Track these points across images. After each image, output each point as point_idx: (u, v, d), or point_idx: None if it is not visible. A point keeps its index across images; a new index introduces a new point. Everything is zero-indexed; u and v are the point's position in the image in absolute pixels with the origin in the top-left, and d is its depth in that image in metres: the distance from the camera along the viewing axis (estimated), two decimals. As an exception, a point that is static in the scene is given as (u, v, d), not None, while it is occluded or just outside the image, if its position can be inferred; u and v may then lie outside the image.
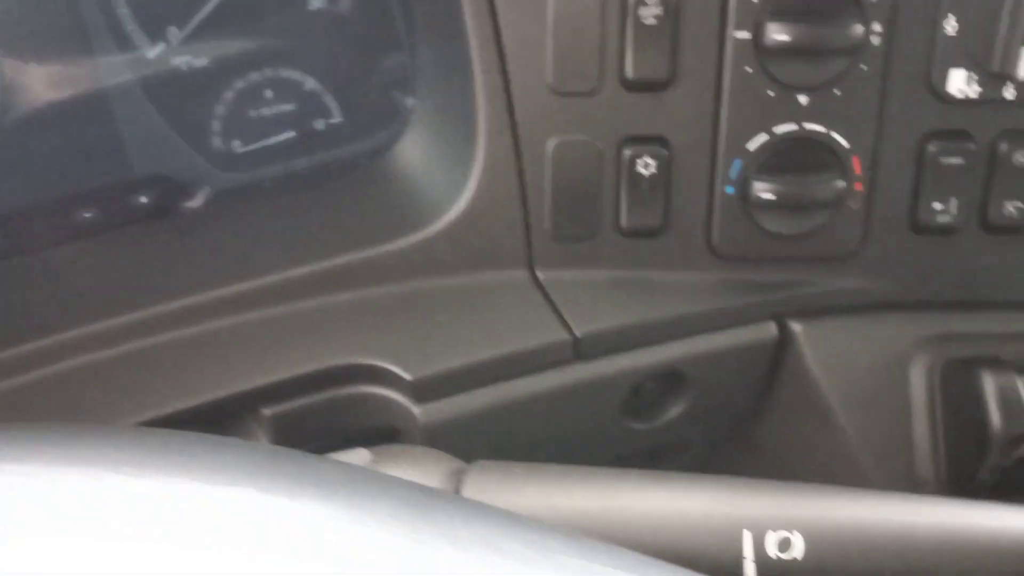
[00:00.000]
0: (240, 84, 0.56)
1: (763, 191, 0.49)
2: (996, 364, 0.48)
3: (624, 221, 0.51)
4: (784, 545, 0.28)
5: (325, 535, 0.18)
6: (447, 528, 0.19)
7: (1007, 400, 0.47)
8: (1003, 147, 0.49)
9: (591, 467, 0.33)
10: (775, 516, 0.29)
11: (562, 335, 0.50)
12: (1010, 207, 0.50)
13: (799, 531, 0.28)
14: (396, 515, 0.19)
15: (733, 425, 0.58)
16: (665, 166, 0.49)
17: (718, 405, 0.56)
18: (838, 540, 0.28)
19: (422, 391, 0.48)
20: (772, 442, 0.57)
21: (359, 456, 0.35)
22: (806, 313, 0.53)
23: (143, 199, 0.56)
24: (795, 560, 0.28)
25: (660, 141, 0.49)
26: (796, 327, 0.53)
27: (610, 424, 0.53)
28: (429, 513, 0.20)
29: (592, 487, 0.32)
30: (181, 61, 0.55)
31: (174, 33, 0.54)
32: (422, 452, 0.36)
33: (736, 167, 0.49)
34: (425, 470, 0.34)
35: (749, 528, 0.29)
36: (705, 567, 0.27)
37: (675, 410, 0.55)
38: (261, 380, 0.47)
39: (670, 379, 0.54)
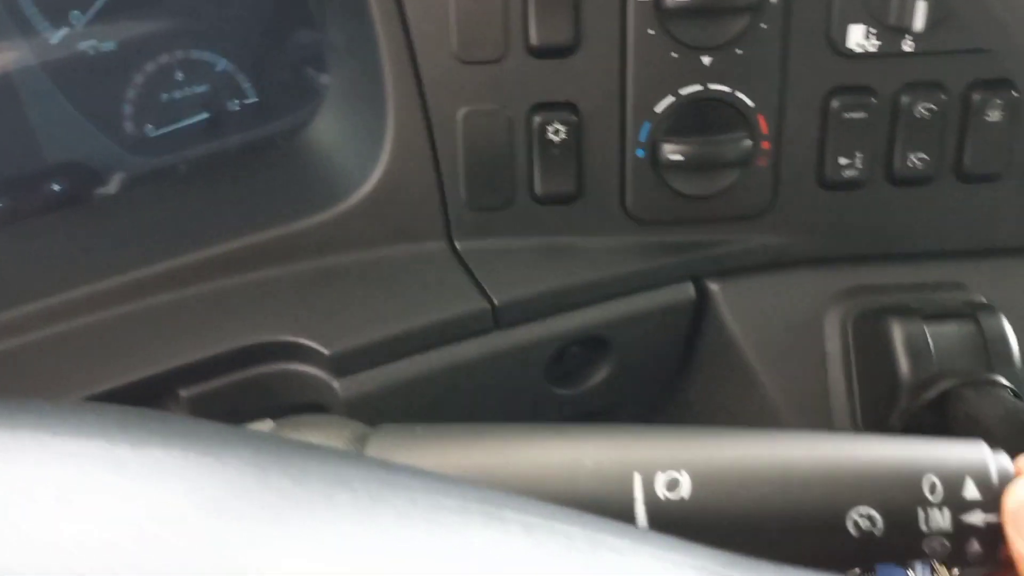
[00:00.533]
0: (150, 67, 0.56)
1: (672, 153, 0.49)
2: (904, 312, 0.49)
3: (538, 188, 0.51)
4: (672, 485, 0.29)
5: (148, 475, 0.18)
6: (293, 469, 0.19)
7: (914, 347, 0.48)
8: (904, 100, 0.50)
9: (493, 424, 0.33)
10: (664, 458, 0.29)
11: (481, 304, 0.50)
12: (914, 159, 0.50)
13: (686, 471, 0.29)
14: (244, 457, 0.19)
15: (659, 387, 0.59)
16: (575, 132, 0.50)
17: (642, 368, 0.56)
18: (722, 477, 0.29)
19: (341, 365, 0.48)
20: (698, 401, 0.58)
21: (263, 426, 0.35)
22: (722, 273, 0.54)
23: (55, 187, 0.55)
24: (682, 499, 0.29)
25: (569, 107, 0.50)
26: (713, 287, 0.54)
27: (536, 391, 0.54)
28: (283, 457, 0.20)
29: (491, 442, 0.32)
30: (87, 46, 0.54)
31: (77, 17, 0.53)
32: (327, 420, 0.36)
33: (645, 130, 0.50)
34: (327, 435, 0.34)
35: (640, 471, 0.29)
36: (600, 512, 0.28)
37: (600, 375, 0.55)
38: (177, 361, 0.47)
39: (592, 344, 0.54)
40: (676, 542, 0.22)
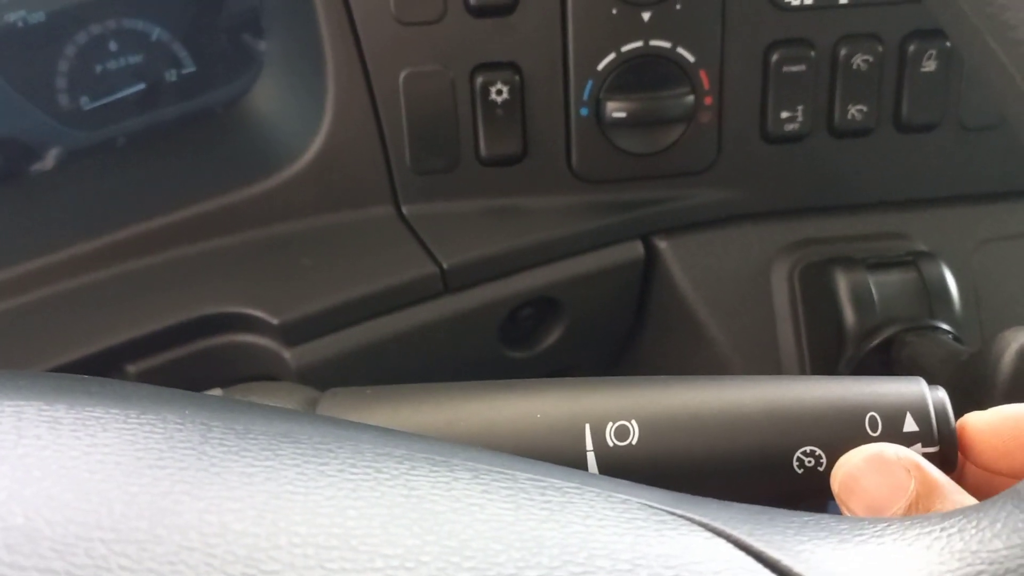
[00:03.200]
0: (82, 37, 0.54)
1: (615, 110, 0.49)
2: (848, 263, 0.50)
3: (483, 150, 0.51)
4: (621, 433, 0.29)
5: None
6: (237, 425, 0.19)
7: (859, 296, 0.49)
8: (842, 52, 0.50)
9: (443, 384, 0.33)
10: (613, 408, 0.30)
11: (430, 268, 0.50)
12: (854, 111, 0.51)
13: (635, 420, 0.29)
14: (186, 416, 0.19)
15: (613, 346, 0.59)
16: (518, 92, 0.49)
17: (595, 327, 0.56)
18: (670, 423, 0.29)
19: (290, 334, 0.47)
20: (651, 358, 0.59)
21: (212, 394, 0.35)
22: (670, 230, 0.54)
23: (-11, 164, 0.53)
24: (631, 445, 0.29)
25: (511, 67, 0.49)
26: (661, 244, 0.54)
27: (490, 355, 0.54)
28: (227, 414, 0.20)
29: (442, 401, 0.32)
30: (16, 17, 0.53)
31: (2, -13, 0.51)
32: (277, 386, 0.36)
33: (588, 88, 0.50)
34: (277, 400, 0.34)
35: (590, 422, 0.30)
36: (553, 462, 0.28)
37: (553, 336, 0.56)
38: (123, 336, 0.46)
39: (544, 305, 0.54)
40: (624, 483, 0.22)
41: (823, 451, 0.28)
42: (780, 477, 0.29)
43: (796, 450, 0.29)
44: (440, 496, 0.19)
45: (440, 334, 0.51)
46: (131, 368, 0.47)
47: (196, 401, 0.22)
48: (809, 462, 0.28)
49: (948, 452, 0.28)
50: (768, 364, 0.53)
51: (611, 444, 0.29)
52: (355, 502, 0.18)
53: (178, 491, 0.17)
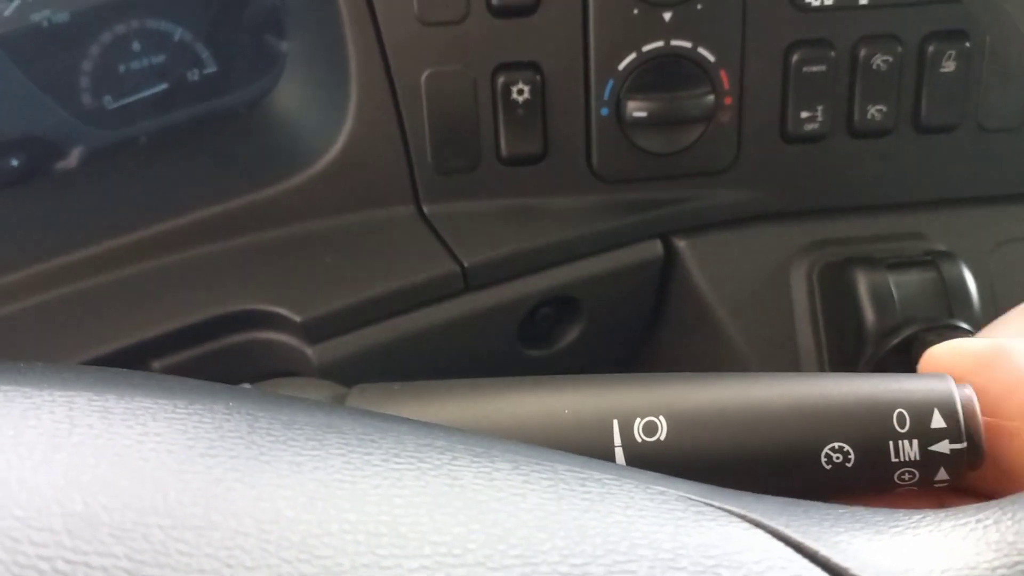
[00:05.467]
0: (105, 37, 0.55)
1: (636, 110, 0.50)
2: (868, 263, 0.50)
3: (504, 150, 0.51)
4: (649, 429, 0.29)
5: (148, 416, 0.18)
6: (282, 415, 0.20)
7: (879, 296, 0.49)
8: (862, 53, 0.50)
9: (471, 380, 0.34)
10: (641, 404, 0.30)
11: (451, 266, 0.50)
12: (873, 111, 0.51)
13: (663, 415, 0.29)
14: (231, 406, 0.20)
15: (631, 345, 0.60)
16: (539, 92, 0.50)
17: (613, 326, 0.57)
18: (699, 419, 0.29)
19: (314, 332, 0.48)
20: (669, 357, 0.59)
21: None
22: (689, 229, 0.54)
23: (14, 161, 0.54)
24: (659, 441, 0.29)
25: (533, 67, 0.50)
26: (680, 244, 0.54)
27: (508, 353, 0.54)
28: (271, 406, 0.21)
29: (469, 396, 0.32)
30: (40, 17, 0.53)
31: (28, -13, 0.52)
32: (304, 381, 0.36)
33: (609, 88, 0.50)
34: (305, 395, 0.34)
35: (618, 418, 0.30)
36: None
37: (571, 335, 0.56)
38: (148, 333, 0.46)
39: (563, 304, 0.54)
40: (659, 476, 0.22)
41: (851, 447, 0.29)
42: (808, 473, 0.29)
43: (824, 446, 0.29)
44: (483, 486, 0.19)
45: (460, 332, 0.51)
46: (156, 364, 0.47)
47: (238, 393, 0.22)
48: (837, 458, 0.28)
49: (975, 449, 0.28)
50: (786, 364, 0.53)
51: (639, 440, 0.29)
52: (401, 491, 0.18)
53: (230, 479, 0.17)
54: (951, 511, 0.21)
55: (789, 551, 0.19)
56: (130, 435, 0.18)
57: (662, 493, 0.20)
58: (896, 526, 0.20)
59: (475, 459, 0.20)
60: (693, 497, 0.21)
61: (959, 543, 0.19)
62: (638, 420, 0.29)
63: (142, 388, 0.20)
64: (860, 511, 0.21)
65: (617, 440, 0.29)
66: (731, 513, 0.20)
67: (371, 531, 0.17)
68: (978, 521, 0.20)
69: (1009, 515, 0.20)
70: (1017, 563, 0.18)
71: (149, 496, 0.17)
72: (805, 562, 0.18)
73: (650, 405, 0.30)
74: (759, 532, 0.19)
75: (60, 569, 0.15)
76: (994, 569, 0.18)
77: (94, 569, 0.15)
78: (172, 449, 0.18)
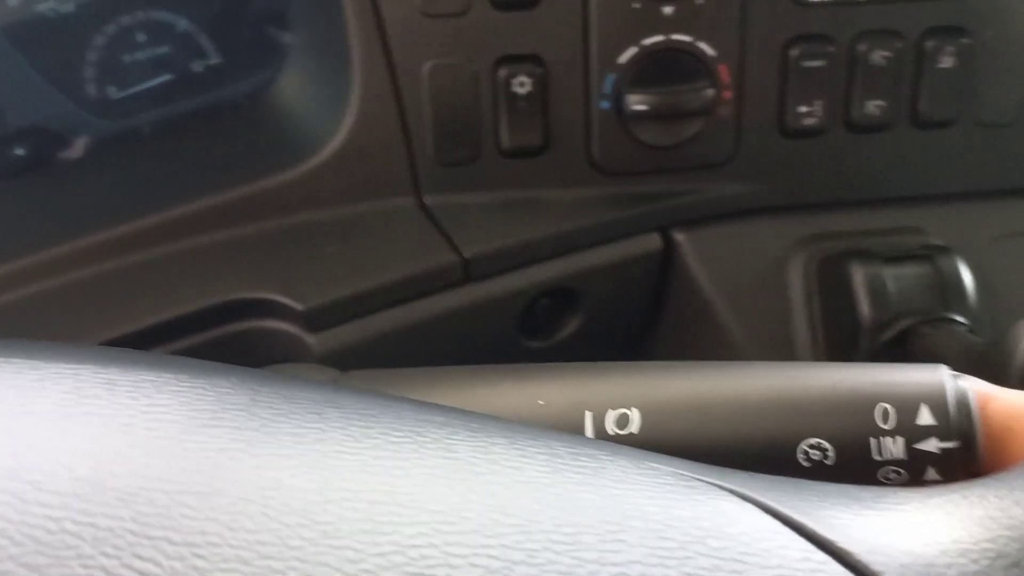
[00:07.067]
0: (110, 28, 0.55)
1: (636, 103, 0.50)
2: (864, 256, 0.50)
3: (505, 142, 0.51)
4: (622, 422, 0.28)
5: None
6: (283, 390, 0.20)
7: (874, 288, 0.49)
8: (861, 48, 0.51)
9: (452, 367, 0.33)
10: (615, 396, 0.28)
11: (451, 257, 0.51)
12: (871, 106, 0.52)
13: (636, 407, 0.28)
14: (234, 382, 0.20)
15: (629, 337, 0.60)
16: (541, 84, 0.50)
17: (612, 318, 0.57)
18: (672, 412, 0.28)
19: (315, 321, 0.48)
20: (668, 350, 0.59)
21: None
22: (688, 222, 0.55)
23: (19, 151, 0.54)
24: (632, 434, 0.28)
25: (534, 60, 0.50)
26: (679, 236, 0.55)
27: (508, 344, 0.55)
28: (272, 382, 0.21)
29: (448, 383, 0.32)
30: (46, 7, 0.54)
31: (35, -23, 0.52)
32: (301, 366, 0.37)
33: (609, 81, 0.50)
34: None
35: (591, 410, 0.28)
36: None
37: (570, 326, 0.56)
38: (150, 320, 0.47)
39: (562, 296, 0.55)
40: (652, 454, 0.23)
41: (830, 444, 0.27)
42: (785, 471, 0.25)
43: (801, 442, 0.27)
44: (480, 459, 0.19)
45: (460, 322, 0.52)
46: (158, 351, 0.48)
47: (240, 371, 0.23)
48: (815, 455, 0.27)
49: (968, 449, 0.26)
50: (783, 356, 0.53)
51: (612, 432, 0.28)
52: (400, 462, 0.19)
53: (233, 448, 0.18)
54: (938, 488, 0.21)
55: (777, 524, 0.19)
56: (135, 406, 0.18)
57: (654, 469, 0.21)
58: (883, 502, 0.20)
59: (472, 434, 0.21)
60: (684, 473, 0.21)
61: (945, 518, 0.20)
62: (611, 412, 0.28)
63: (144, 364, 0.21)
64: (848, 488, 0.21)
65: (590, 432, 0.28)
66: (721, 488, 0.20)
67: (370, 499, 0.17)
68: (963, 497, 0.20)
69: (993, 491, 0.20)
70: (1000, 537, 0.19)
71: (155, 463, 0.17)
72: (792, 535, 0.19)
73: (624, 397, 0.28)
74: (748, 506, 0.20)
75: (68, 529, 0.15)
76: (977, 543, 0.19)
77: (101, 530, 0.15)
78: (176, 419, 0.18)
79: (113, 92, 0.56)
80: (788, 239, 0.54)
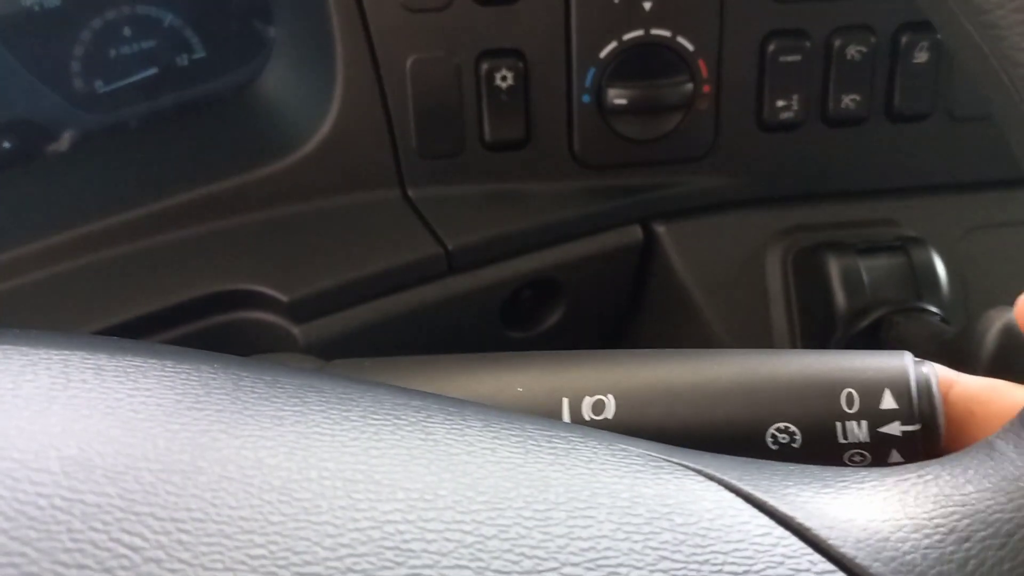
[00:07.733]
0: (96, 23, 0.55)
1: (617, 97, 0.51)
2: (839, 248, 0.51)
3: (488, 135, 0.52)
4: (598, 408, 0.29)
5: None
6: (266, 375, 0.21)
7: (849, 280, 0.50)
8: (837, 43, 0.52)
9: (432, 356, 0.34)
10: (591, 383, 0.29)
11: (435, 249, 0.51)
12: (847, 100, 0.53)
13: (611, 394, 0.29)
14: (217, 367, 0.21)
15: (610, 328, 0.61)
16: (522, 78, 0.51)
17: (593, 309, 0.58)
18: (645, 397, 0.29)
19: (299, 312, 0.49)
20: (648, 340, 0.60)
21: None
22: (668, 215, 0.56)
23: (6, 144, 0.55)
24: (607, 419, 0.29)
25: (516, 54, 0.51)
26: (659, 228, 0.55)
27: (491, 335, 0.55)
28: (254, 368, 0.22)
29: (428, 372, 0.32)
30: (32, 2, 0.54)
31: (20, -28, 0.53)
32: (284, 356, 0.37)
33: (590, 75, 0.51)
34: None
35: (568, 396, 0.29)
36: None
37: (553, 317, 0.57)
38: (135, 312, 0.47)
39: (545, 287, 0.56)
40: (622, 437, 0.24)
41: (797, 427, 0.28)
42: (754, 454, 0.26)
43: (770, 426, 0.28)
44: (455, 440, 0.20)
45: (444, 313, 0.52)
46: (145, 343, 0.48)
47: (224, 357, 0.24)
48: (783, 438, 0.28)
49: (930, 432, 0.27)
50: (760, 345, 0.54)
51: (588, 418, 0.29)
52: (377, 443, 0.19)
53: (215, 430, 0.19)
54: (895, 468, 0.22)
55: (740, 501, 0.20)
56: (122, 390, 0.19)
57: (624, 450, 0.22)
58: (842, 481, 0.21)
59: (448, 417, 0.21)
60: (653, 454, 0.22)
61: (901, 496, 0.21)
62: (587, 399, 0.29)
63: (131, 350, 0.22)
64: (810, 468, 0.22)
65: (567, 418, 0.29)
66: (687, 468, 0.21)
67: (348, 478, 0.18)
68: (919, 477, 0.21)
69: (948, 471, 0.21)
70: (952, 513, 0.20)
71: (140, 443, 0.18)
72: (754, 511, 0.20)
73: (600, 384, 0.29)
74: (712, 484, 0.21)
75: (57, 505, 0.16)
76: (931, 519, 0.20)
77: (89, 506, 0.16)
78: (161, 403, 0.19)
79: (99, 86, 0.56)
80: (766, 231, 0.55)
